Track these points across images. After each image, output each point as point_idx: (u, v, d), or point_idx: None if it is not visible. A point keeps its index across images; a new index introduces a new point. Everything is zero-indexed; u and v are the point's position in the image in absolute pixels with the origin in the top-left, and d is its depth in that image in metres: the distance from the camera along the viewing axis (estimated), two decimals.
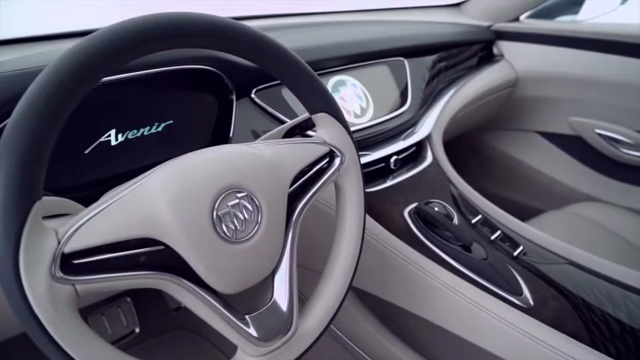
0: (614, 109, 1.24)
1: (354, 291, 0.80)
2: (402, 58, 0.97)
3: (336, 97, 0.81)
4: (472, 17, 1.38)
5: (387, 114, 0.88)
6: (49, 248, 0.33)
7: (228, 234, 0.39)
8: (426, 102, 1.01)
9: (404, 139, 0.89)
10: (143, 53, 0.38)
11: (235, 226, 0.40)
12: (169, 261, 0.38)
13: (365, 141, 0.83)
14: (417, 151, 0.92)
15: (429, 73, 1.04)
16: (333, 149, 0.50)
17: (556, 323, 0.61)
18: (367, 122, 0.84)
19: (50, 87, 0.33)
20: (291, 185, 0.46)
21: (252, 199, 0.41)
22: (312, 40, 0.86)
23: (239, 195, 0.40)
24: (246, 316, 0.41)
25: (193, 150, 0.43)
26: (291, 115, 0.72)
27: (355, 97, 0.85)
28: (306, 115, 0.53)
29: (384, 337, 0.77)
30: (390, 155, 0.84)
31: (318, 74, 0.56)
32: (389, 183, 0.82)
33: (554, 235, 0.78)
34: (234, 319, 0.40)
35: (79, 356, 0.33)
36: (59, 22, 0.75)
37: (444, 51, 1.13)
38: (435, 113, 1.00)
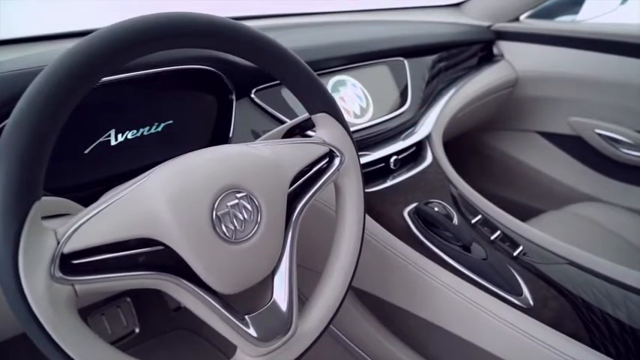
0: (614, 109, 1.24)
1: (354, 291, 0.80)
2: (401, 58, 0.97)
3: (336, 97, 0.81)
4: (472, 17, 1.38)
5: (387, 114, 0.88)
6: (49, 248, 0.33)
7: (227, 234, 0.39)
8: (426, 102, 1.01)
9: (404, 139, 0.89)
10: (143, 53, 0.38)
11: (235, 227, 0.40)
12: (169, 261, 0.38)
13: (365, 141, 0.83)
14: (416, 151, 0.92)
15: (429, 73, 1.04)
16: (333, 149, 0.50)
17: (556, 323, 0.61)
18: (367, 122, 0.84)
19: (50, 87, 0.33)
20: (291, 185, 0.46)
21: (251, 199, 0.41)
22: (312, 40, 0.86)
23: (238, 195, 0.40)
24: (246, 317, 0.41)
25: (193, 150, 0.43)
26: (291, 115, 0.72)
27: (355, 97, 0.85)
28: (305, 115, 0.53)
29: (384, 337, 0.77)
30: (390, 155, 0.84)
31: (318, 74, 0.56)
32: (389, 183, 0.82)
33: (554, 235, 0.77)
34: (234, 320, 0.40)
35: (78, 356, 0.33)
36: (59, 22, 0.75)
37: (444, 51, 1.13)
38: (435, 113, 1.00)
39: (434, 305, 0.67)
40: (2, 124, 0.46)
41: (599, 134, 1.29)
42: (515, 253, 0.72)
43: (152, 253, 0.37)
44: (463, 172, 1.00)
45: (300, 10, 1.12)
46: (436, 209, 0.73)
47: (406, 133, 0.92)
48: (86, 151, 0.53)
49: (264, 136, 0.58)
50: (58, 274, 0.33)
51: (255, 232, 0.41)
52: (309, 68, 0.49)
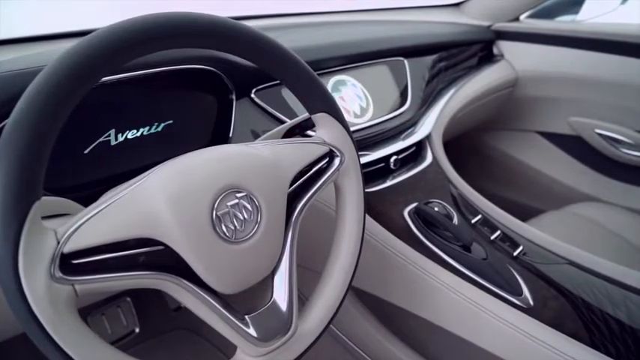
0: (614, 109, 1.24)
1: (354, 291, 0.80)
2: (401, 58, 0.97)
3: (336, 97, 0.81)
4: (472, 17, 1.38)
5: (387, 114, 0.88)
6: (49, 248, 0.33)
7: (227, 234, 0.39)
8: (426, 102, 1.01)
9: (404, 139, 0.89)
10: (142, 53, 0.38)
11: (235, 226, 0.40)
12: (169, 261, 0.38)
13: (365, 141, 0.83)
14: (416, 151, 0.92)
15: (428, 73, 1.04)
16: (333, 149, 0.50)
17: (556, 323, 0.61)
18: (367, 122, 0.84)
19: (49, 87, 0.33)
20: (291, 185, 0.46)
21: (251, 199, 0.41)
22: (312, 40, 0.86)
23: (238, 195, 0.40)
24: (246, 316, 0.41)
25: (193, 150, 0.43)
26: (291, 115, 0.72)
27: (355, 97, 0.85)
28: (305, 115, 0.53)
29: (384, 337, 0.77)
30: (390, 155, 0.84)
31: (318, 74, 0.56)
32: (389, 183, 0.82)
33: (554, 235, 0.77)
34: (234, 319, 0.40)
35: (78, 356, 0.33)
36: (59, 22, 0.75)
37: (443, 51, 1.13)
38: (435, 113, 1.00)
39: (434, 305, 0.67)
40: (2, 123, 0.46)
41: (599, 134, 1.29)
42: (515, 253, 0.72)
43: (152, 253, 0.37)
44: (463, 172, 1.00)
45: (300, 10, 1.12)
46: (436, 209, 0.73)
47: (406, 133, 0.92)
48: (86, 151, 0.53)
49: (264, 136, 0.58)
50: (58, 274, 0.33)
51: (255, 232, 0.41)
52: (309, 68, 0.49)
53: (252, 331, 0.41)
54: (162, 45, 0.39)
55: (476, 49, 1.28)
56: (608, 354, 0.58)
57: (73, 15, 0.81)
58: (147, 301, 1.05)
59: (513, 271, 0.69)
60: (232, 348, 0.43)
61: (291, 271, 0.45)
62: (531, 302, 0.64)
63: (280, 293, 0.44)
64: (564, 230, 1.04)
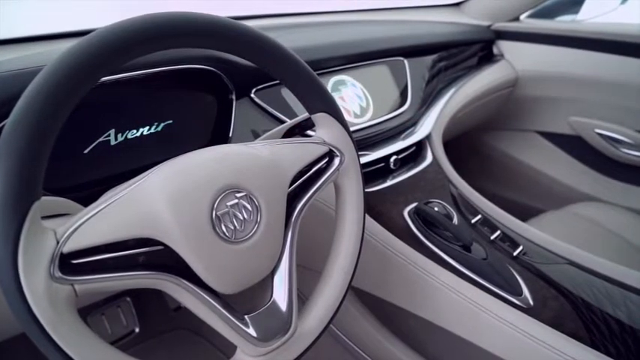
0: (614, 109, 1.24)
1: (354, 291, 0.80)
2: (401, 58, 0.97)
3: (336, 96, 0.81)
4: (472, 17, 1.38)
5: (387, 114, 0.88)
6: (48, 248, 0.33)
7: (227, 234, 0.39)
8: (426, 102, 1.01)
9: (404, 138, 0.89)
10: (142, 53, 0.38)
11: (234, 226, 0.40)
12: (168, 261, 0.38)
13: (365, 141, 0.83)
14: (416, 151, 0.92)
15: (428, 73, 1.04)
16: (333, 149, 0.50)
17: (556, 323, 0.61)
18: (367, 122, 0.84)
19: (49, 86, 0.33)
20: (291, 185, 0.46)
21: (251, 199, 0.41)
22: (312, 39, 0.86)
23: (238, 195, 0.40)
24: (246, 316, 0.41)
25: (193, 150, 0.43)
26: (291, 114, 0.72)
27: (355, 96, 0.85)
28: (305, 114, 0.53)
29: (384, 337, 0.77)
30: (390, 155, 0.84)
31: (318, 74, 0.56)
32: (388, 183, 0.82)
33: (554, 235, 0.77)
34: (234, 319, 0.40)
35: (77, 356, 0.33)
36: (59, 22, 0.75)
37: (443, 51, 1.13)
38: (435, 113, 1.00)
39: (434, 305, 0.67)
40: (2, 123, 0.46)
41: (599, 134, 1.29)
42: (515, 253, 0.72)
43: (152, 253, 0.37)
44: (463, 172, 1.00)
45: (300, 10, 1.12)
46: (436, 209, 0.73)
47: (406, 132, 0.92)
48: (86, 151, 0.53)
49: (264, 135, 0.58)
50: (58, 274, 0.33)
51: (255, 231, 0.41)
52: (309, 68, 0.49)
53: (251, 331, 0.41)
54: (162, 45, 0.39)
55: (476, 49, 1.28)
56: (608, 354, 0.57)
57: (73, 15, 0.81)
58: (147, 301, 1.05)
59: (513, 271, 0.69)
60: (232, 348, 0.43)
61: (290, 271, 0.45)
62: (531, 302, 0.64)
63: (280, 293, 0.44)
64: (564, 230, 1.04)
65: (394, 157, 0.84)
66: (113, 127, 0.55)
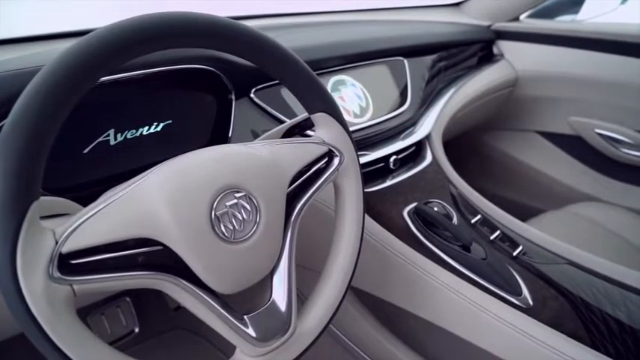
0: (614, 109, 1.24)
1: (354, 291, 0.80)
2: (401, 58, 0.97)
3: (336, 96, 0.81)
4: (472, 17, 1.38)
5: (387, 114, 0.88)
6: (47, 248, 0.33)
7: (226, 234, 0.39)
8: (426, 102, 1.01)
9: (403, 138, 0.89)
10: (141, 53, 0.38)
11: (234, 226, 0.40)
12: (167, 261, 0.38)
13: (364, 141, 0.83)
14: (416, 151, 0.92)
15: (428, 73, 1.04)
16: (332, 149, 0.50)
17: (555, 323, 0.61)
18: (366, 122, 0.84)
19: (48, 86, 0.33)
20: (290, 185, 0.46)
21: (250, 199, 0.41)
22: (312, 39, 0.86)
23: (237, 195, 0.40)
24: (245, 317, 0.41)
25: (192, 150, 0.43)
26: (291, 114, 0.72)
27: (355, 96, 0.85)
28: (305, 114, 0.53)
29: (384, 337, 0.77)
30: (390, 155, 0.84)
31: (318, 74, 0.56)
32: (388, 183, 0.82)
33: (554, 235, 0.77)
34: (233, 320, 0.40)
35: (76, 356, 0.33)
36: (58, 22, 0.75)
37: (443, 50, 1.13)
38: (435, 113, 1.00)
39: (433, 305, 0.67)
40: (0, 123, 0.46)
41: (599, 134, 1.29)
42: (514, 253, 0.72)
43: (151, 253, 0.37)
44: (463, 172, 0.99)
45: (299, 10, 1.12)
46: (436, 209, 0.73)
47: (406, 132, 0.92)
48: (85, 151, 0.53)
49: (264, 135, 0.58)
50: (57, 274, 0.33)
51: (254, 231, 0.41)
52: (309, 68, 0.49)
53: (251, 331, 0.41)
54: (162, 45, 0.39)
55: (476, 49, 1.28)
56: (607, 354, 0.57)
57: (73, 15, 0.81)
58: (146, 301, 1.05)
59: (513, 271, 0.69)
60: (232, 348, 0.43)
61: (290, 271, 0.45)
62: (531, 302, 0.64)
63: (279, 293, 0.44)
64: (564, 230, 1.04)
65: (394, 157, 0.84)
66: (112, 127, 0.55)
